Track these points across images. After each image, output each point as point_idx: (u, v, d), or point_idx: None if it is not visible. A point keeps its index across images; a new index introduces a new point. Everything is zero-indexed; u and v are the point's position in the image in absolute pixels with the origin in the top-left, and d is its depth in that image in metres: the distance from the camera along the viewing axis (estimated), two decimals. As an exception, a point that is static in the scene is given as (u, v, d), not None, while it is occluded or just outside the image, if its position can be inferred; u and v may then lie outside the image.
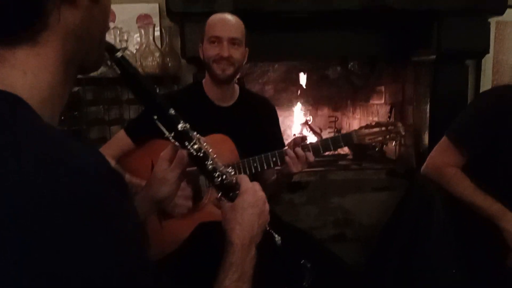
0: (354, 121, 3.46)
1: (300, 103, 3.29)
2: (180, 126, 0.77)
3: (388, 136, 1.44)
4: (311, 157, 1.37)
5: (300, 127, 3.15)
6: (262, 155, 1.42)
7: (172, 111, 0.77)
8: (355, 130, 1.45)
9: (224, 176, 0.78)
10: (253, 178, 0.89)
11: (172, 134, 0.78)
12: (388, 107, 2.81)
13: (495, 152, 1.54)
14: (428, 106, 2.27)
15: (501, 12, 2.10)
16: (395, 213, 1.72)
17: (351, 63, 3.02)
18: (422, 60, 2.30)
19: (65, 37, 0.49)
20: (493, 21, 2.23)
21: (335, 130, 3.39)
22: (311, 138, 3.01)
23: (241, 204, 0.74)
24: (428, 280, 1.41)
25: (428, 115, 2.27)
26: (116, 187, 0.43)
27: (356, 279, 1.47)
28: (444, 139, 1.65)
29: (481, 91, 2.35)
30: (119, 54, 0.69)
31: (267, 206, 0.77)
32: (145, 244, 0.45)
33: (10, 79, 0.46)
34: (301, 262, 0.94)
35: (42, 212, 0.37)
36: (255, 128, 1.62)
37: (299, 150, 1.37)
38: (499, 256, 1.44)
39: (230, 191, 0.79)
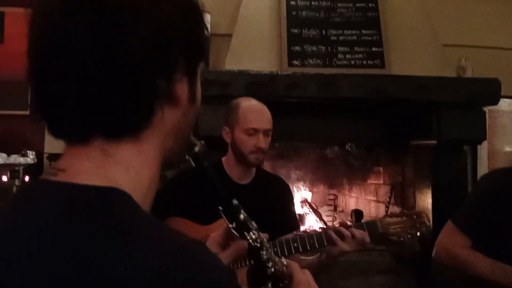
0: (350, 200, 3.50)
1: (297, 180, 3.34)
2: (241, 217, 0.78)
3: (413, 226, 1.44)
4: (366, 236, 1.38)
5: (300, 204, 3.17)
6: (297, 236, 1.42)
7: (235, 202, 0.78)
8: (379, 219, 1.45)
9: (276, 266, 0.74)
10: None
11: (234, 225, 0.77)
12: (387, 187, 2.87)
13: (498, 233, 1.57)
14: (430, 189, 2.33)
15: (495, 103, 2.24)
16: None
17: (349, 144, 3.12)
18: (422, 145, 2.40)
19: (165, 135, 0.52)
20: (486, 109, 2.37)
21: (334, 208, 3.42)
22: (311, 216, 3.02)
23: None
24: None
25: (430, 198, 2.33)
26: None
27: None
28: (449, 223, 1.70)
29: (478, 175, 2.45)
30: (196, 148, 0.70)
31: None
32: None
33: (115, 176, 0.47)
34: None
35: None
36: (272, 205, 1.64)
37: (355, 231, 1.37)
38: None
39: (280, 281, 0.73)
